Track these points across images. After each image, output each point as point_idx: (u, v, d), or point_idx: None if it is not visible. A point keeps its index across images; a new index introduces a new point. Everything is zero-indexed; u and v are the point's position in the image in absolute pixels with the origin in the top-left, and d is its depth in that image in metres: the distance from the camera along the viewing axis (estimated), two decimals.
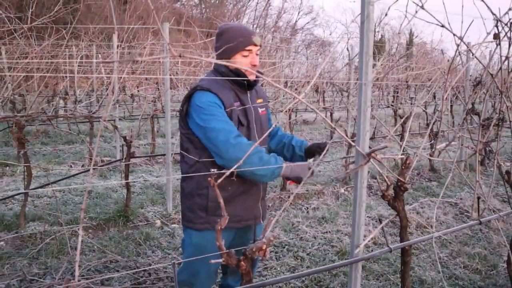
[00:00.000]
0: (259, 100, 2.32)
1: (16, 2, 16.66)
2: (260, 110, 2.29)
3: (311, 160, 2.13)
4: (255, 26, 38.71)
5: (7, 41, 6.94)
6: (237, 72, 2.15)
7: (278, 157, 2.07)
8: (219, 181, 1.57)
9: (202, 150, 2.11)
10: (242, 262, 1.63)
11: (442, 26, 2.08)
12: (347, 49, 8.73)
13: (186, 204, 2.23)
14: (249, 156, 1.89)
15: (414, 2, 2.03)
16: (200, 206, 2.15)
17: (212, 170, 2.09)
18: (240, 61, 2.14)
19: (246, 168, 1.96)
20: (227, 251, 1.61)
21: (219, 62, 1.48)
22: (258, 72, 2.19)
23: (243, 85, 2.18)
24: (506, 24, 2.18)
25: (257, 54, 2.19)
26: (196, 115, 2.04)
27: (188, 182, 2.21)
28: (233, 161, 1.88)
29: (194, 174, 2.16)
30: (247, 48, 2.13)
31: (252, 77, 2.19)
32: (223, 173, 2.01)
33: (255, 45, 2.15)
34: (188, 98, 2.10)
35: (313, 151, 2.35)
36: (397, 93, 9.40)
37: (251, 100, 2.23)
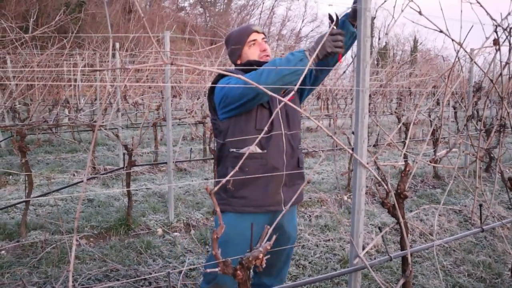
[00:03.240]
0: None
1: (22, 13, 16.86)
2: (287, 97, 2.27)
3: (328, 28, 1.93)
4: None
5: (11, 51, 7.00)
6: (249, 64, 2.18)
7: (292, 52, 1.95)
8: (216, 187, 1.55)
9: (224, 132, 2.18)
10: (238, 271, 1.61)
11: (441, 31, 2.07)
12: (351, 56, 8.73)
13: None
14: (267, 71, 1.87)
15: (412, 8, 2.02)
16: (223, 187, 2.14)
17: (232, 150, 2.15)
18: (251, 52, 2.18)
19: (274, 77, 1.87)
20: (224, 260, 1.59)
21: (216, 70, 1.48)
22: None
23: None
24: (505, 29, 2.16)
25: (265, 41, 2.22)
26: (220, 87, 2.09)
27: (218, 166, 2.28)
28: (259, 82, 1.80)
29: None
30: (251, 38, 2.18)
31: (266, 59, 2.20)
32: (242, 154, 2.07)
33: (257, 32, 2.19)
34: (215, 83, 2.17)
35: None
36: (401, 100, 9.37)
37: None
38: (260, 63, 2.16)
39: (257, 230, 2.18)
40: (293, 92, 1.56)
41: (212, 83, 2.18)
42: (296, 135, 2.31)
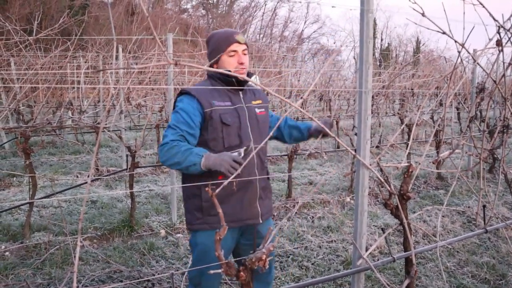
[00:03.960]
0: (257, 102, 2.33)
1: (26, 15, 16.93)
2: (257, 110, 2.31)
3: (241, 150, 2.09)
4: (261, 35, 38.90)
5: (15, 53, 7.03)
6: (226, 74, 2.19)
7: (199, 149, 2.04)
8: (217, 191, 1.56)
9: None
10: (242, 273, 1.61)
11: (444, 33, 2.07)
12: (354, 58, 8.73)
13: (185, 207, 2.29)
14: (171, 155, 2.02)
15: (415, 10, 2.03)
16: (196, 207, 2.19)
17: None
18: (228, 62, 2.18)
19: (172, 165, 2.06)
20: (226, 261, 1.60)
21: (217, 70, 1.48)
22: (249, 73, 2.25)
23: (234, 85, 2.22)
24: (508, 30, 2.16)
25: (244, 54, 2.22)
26: (171, 118, 2.17)
27: (185, 185, 2.26)
28: (164, 164, 2.08)
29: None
30: (231, 48, 2.17)
31: (242, 76, 2.21)
32: (217, 178, 2.07)
33: (239, 43, 2.18)
34: (174, 101, 2.23)
35: (315, 136, 2.41)
36: (403, 101, 9.36)
37: (245, 100, 2.26)
38: (236, 77, 2.18)
39: (232, 243, 2.28)
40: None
41: (175, 98, 2.23)
42: (264, 148, 2.38)
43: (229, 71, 2.16)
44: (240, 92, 2.26)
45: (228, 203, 2.15)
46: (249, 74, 2.30)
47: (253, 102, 2.30)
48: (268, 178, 2.39)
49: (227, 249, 2.22)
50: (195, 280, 2.30)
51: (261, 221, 2.31)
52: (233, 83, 2.21)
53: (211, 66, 2.24)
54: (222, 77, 2.21)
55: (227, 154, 1.99)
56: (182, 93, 2.19)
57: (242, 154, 2.06)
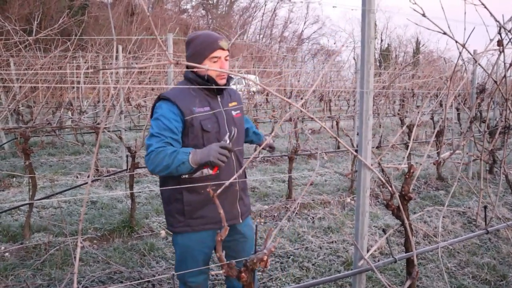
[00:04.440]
0: (233, 104, 2.35)
1: (25, 15, 16.92)
2: (234, 113, 2.33)
3: (226, 137, 2.10)
4: (261, 36, 38.90)
5: (15, 53, 7.02)
6: (207, 79, 2.19)
7: (185, 148, 2.07)
8: (218, 191, 1.55)
9: None
10: (243, 274, 1.61)
11: (444, 33, 2.07)
12: (354, 58, 8.73)
13: (166, 210, 2.32)
14: (158, 160, 2.03)
15: (415, 11, 2.02)
16: (178, 211, 2.23)
17: (184, 176, 2.17)
18: (211, 67, 2.17)
19: (161, 170, 2.06)
20: (228, 262, 1.59)
21: (220, 70, 1.48)
22: (229, 77, 2.28)
23: (213, 90, 2.23)
24: (509, 31, 2.16)
25: (226, 59, 2.22)
26: (151, 126, 2.15)
27: (165, 188, 2.28)
28: (153, 172, 2.08)
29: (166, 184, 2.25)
30: (214, 54, 2.16)
31: (222, 82, 2.24)
32: (195, 179, 2.13)
33: (223, 49, 2.17)
34: (152, 108, 2.22)
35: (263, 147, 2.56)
36: (403, 101, 9.35)
37: (222, 104, 2.27)
38: (215, 83, 2.20)
39: (212, 243, 2.30)
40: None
41: (153, 104, 2.21)
42: (242, 150, 2.41)
43: (210, 77, 2.20)
44: (218, 96, 2.27)
45: (209, 207, 2.20)
46: (229, 79, 2.30)
47: (230, 105, 2.32)
48: (245, 177, 2.45)
49: (209, 249, 2.33)
50: (182, 279, 2.36)
51: (241, 221, 2.37)
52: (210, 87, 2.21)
53: (190, 67, 2.22)
54: (202, 82, 2.20)
55: (213, 144, 2.02)
56: (161, 98, 2.17)
57: (228, 141, 2.07)
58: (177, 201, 2.22)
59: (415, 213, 5.03)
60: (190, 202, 2.18)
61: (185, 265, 2.31)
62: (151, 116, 2.20)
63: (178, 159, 2.01)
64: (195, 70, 2.19)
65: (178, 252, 2.34)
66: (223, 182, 2.16)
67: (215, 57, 2.16)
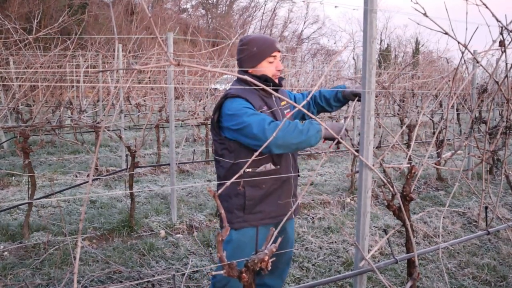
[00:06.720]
0: (283, 103, 2.43)
1: (25, 14, 16.90)
2: (286, 112, 2.43)
3: (342, 121, 2.21)
4: None
5: (14, 52, 7.00)
6: (264, 78, 2.27)
7: (312, 121, 2.09)
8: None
9: (237, 152, 2.23)
10: (244, 274, 1.60)
11: (446, 33, 2.06)
12: (353, 58, 8.71)
13: (225, 206, 2.30)
14: (286, 131, 2.01)
15: (417, 10, 2.01)
16: (238, 206, 2.26)
17: (248, 170, 2.22)
18: (268, 67, 2.28)
19: (288, 141, 2.02)
20: (229, 262, 1.58)
21: (220, 71, 1.47)
22: (280, 77, 2.38)
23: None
24: (511, 31, 2.15)
25: (280, 60, 2.35)
26: (229, 123, 2.16)
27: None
28: (274, 143, 1.98)
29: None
30: (272, 55, 2.27)
31: (277, 81, 2.34)
32: (259, 173, 2.21)
33: (278, 51, 2.30)
34: (219, 107, 2.22)
35: (349, 98, 2.53)
36: (403, 101, 9.35)
37: (276, 103, 2.36)
38: (274, 82, 2.29)
39: (263, 243, 2.28)
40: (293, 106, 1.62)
41: (218, 104, 2.23)
42: None
43: (268, 77, 2.28)
44: (273, 96, 2.34)
45: (267, 202, 2.27)
46: (280, 79, 2.38)
47: (282, 104, 2.41)
48: (299, 175, 2.53)
49: (259, 247, 2.29)
50: (222, 282, 2.33)
51: (293, 217, 2.45)
52: (269, 86, 2.25)
53: (244, 68, 2.31)
54: (257, 80, 2.23)
55: (339, 123, 2.15)
56: (231, 96, 2.19)
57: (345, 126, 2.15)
58: (238, 197, 2.25)
59: (415, 213, 5.02)
60: (252, 196, 2.23)
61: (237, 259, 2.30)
62: (218, 114, 2.21)
63: (314, 127, 2.03)
64: (250, 71, 2.29)
65: (230, 249, 2.30)
66: (282, 176, 2.29)
67: (273, 57, 2.28)
